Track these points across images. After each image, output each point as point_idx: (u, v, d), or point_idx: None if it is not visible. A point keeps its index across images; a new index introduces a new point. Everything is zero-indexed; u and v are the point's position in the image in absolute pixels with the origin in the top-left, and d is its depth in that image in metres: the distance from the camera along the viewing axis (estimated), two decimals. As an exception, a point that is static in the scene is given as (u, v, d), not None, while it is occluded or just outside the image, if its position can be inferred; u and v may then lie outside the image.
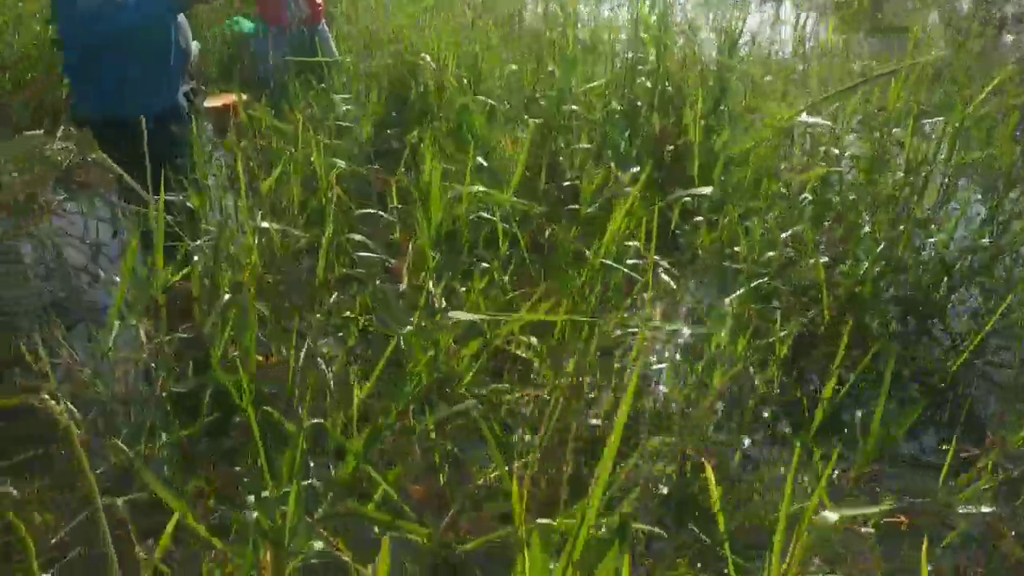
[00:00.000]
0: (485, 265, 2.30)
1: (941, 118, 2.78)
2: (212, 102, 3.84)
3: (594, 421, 1.97)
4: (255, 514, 1.44)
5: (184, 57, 3.19)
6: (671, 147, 3.47)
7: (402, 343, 2.51)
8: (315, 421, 1.65)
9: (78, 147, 4.31)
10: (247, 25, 4.62)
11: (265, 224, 2.51)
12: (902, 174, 2.69)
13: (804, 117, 2.38)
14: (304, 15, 4.46)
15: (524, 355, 2.19)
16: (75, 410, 2.33)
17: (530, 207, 2.56)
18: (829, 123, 2.63)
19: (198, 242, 2.63)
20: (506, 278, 2.35)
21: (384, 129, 3.52)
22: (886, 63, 3.52)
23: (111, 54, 2.96)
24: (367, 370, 2.55)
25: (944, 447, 2.08)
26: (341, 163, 2.81)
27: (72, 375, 2.56)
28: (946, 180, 2.81)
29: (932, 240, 2.81)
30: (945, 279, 2.75)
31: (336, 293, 2.68)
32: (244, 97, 3.86)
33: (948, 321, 2.80)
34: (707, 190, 2.45)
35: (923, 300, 2.77)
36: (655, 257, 2.19)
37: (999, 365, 2.69)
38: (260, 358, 2.26)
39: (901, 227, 2.61)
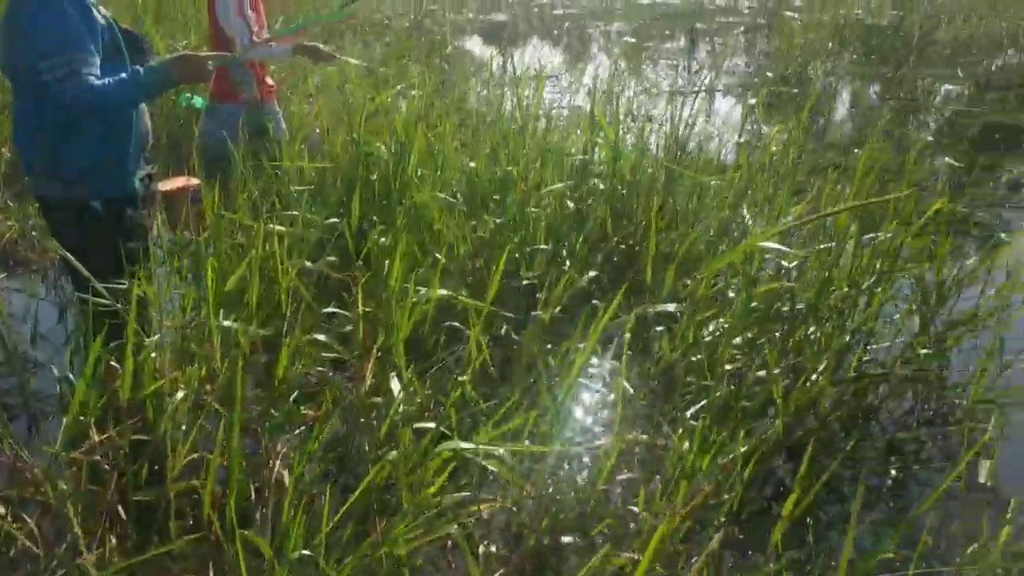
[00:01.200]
0: (462, 378, 2.34)
1: (880, 235, 2.98)
2: (165, 185, 3.79)
3: (566, 539, 1.99)
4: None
5: (143, 139, 3.14)
6: (623, 246, 3.59)
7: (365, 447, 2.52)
8: (304, 553, 1.63)
9: (21, 224, 4.22)
10: (199, 102, 4.60)
11: (228, 323, 2.49)
12: (847, 288, 2.85)
13: (769, 244, 2.52)
14: (256, 95, 4.47)
15: (492, 467, 2.21)
16: (27, 519, 2.25)
17: (497, 312, 2.60)
18: (788, 250, 2.78)
19: (154, 338, 2.58)
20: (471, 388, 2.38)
21: (338, 218, 3.53)
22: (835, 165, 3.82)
23: (68, 133, 2.89)
24: (326, 471, 2.54)
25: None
26: (308, 264, 2.82)
27: (18, 474, 2.47)
28: (884, 292, 2.99)
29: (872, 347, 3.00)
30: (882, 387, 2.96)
31: (296, 392, 2.67)
32: (196, 181, 3.83)
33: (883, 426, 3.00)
34: (672, 307, 2.55)
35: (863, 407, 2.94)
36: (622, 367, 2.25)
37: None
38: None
39: (847, 338, 2.76)
